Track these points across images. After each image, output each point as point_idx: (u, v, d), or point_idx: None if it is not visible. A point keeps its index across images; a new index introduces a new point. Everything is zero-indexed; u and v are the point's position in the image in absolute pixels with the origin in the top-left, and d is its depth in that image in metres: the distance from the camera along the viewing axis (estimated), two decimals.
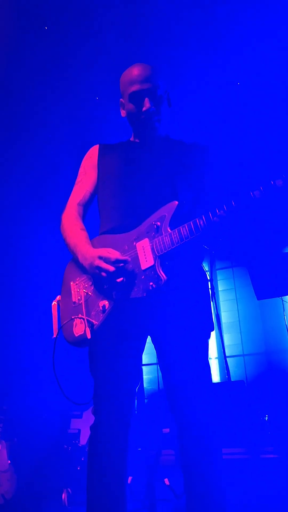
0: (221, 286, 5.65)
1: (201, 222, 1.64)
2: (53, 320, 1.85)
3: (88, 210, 2.10)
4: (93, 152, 2.07)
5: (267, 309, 5.18)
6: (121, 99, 1.99)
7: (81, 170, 2.09)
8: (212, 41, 3.76)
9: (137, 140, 2.02)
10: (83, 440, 3.35)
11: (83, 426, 3.36)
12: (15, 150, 4.38)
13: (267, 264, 4.07)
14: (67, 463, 3.26)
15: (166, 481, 2.82)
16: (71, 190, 2.09)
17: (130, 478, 2.85)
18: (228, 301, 5.60)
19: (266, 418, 3.77)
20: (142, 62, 1.95)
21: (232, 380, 4.72)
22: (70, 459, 3.29)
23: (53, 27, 3.50)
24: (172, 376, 1.79)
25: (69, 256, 1.98)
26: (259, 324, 5.30)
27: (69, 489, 3.05)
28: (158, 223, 1.73)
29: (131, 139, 2.07)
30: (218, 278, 5.68)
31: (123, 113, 2.00)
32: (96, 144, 2.10)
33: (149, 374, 5.22)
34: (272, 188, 1.55)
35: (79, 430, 3.36)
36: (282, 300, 4.83)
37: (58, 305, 1.90)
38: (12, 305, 4.58)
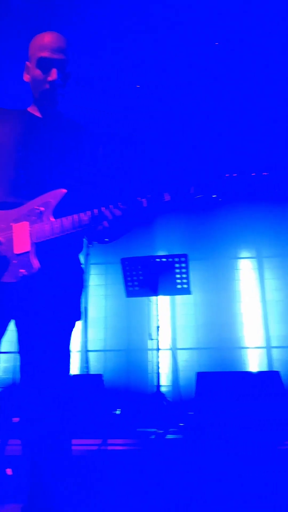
0: (92, 281, 5.69)
1: (85, 218, 1.63)
2: None
3: None
4: None
5: (134, 309, 5.36)
6: (27, 62, 1.88)
7: None
8: None
9: (35, 112, 1.92)
10: None
11: None
12: None
13: (139, 265, 4.23)
14: None
15: (9, 471, 2.73)
16: None
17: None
18: (97, 297, 5.66)
19: (119, 411, 3.90)
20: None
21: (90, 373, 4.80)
22: None
23: None
24: (30, 362, 1.74)
25: None
26: (124, 322, 5.46)
27: None
28: (42, 209, 1.67)
29: (29, 109, 1.96)
30: (91, 272, 5.71)
31: (26, 77, 1.89)
32: None
33: (6, 363, 5.03)
34: (159, 199, 1.60)
35: None
36: (149, 301, 5.05)
37: None
38: None
